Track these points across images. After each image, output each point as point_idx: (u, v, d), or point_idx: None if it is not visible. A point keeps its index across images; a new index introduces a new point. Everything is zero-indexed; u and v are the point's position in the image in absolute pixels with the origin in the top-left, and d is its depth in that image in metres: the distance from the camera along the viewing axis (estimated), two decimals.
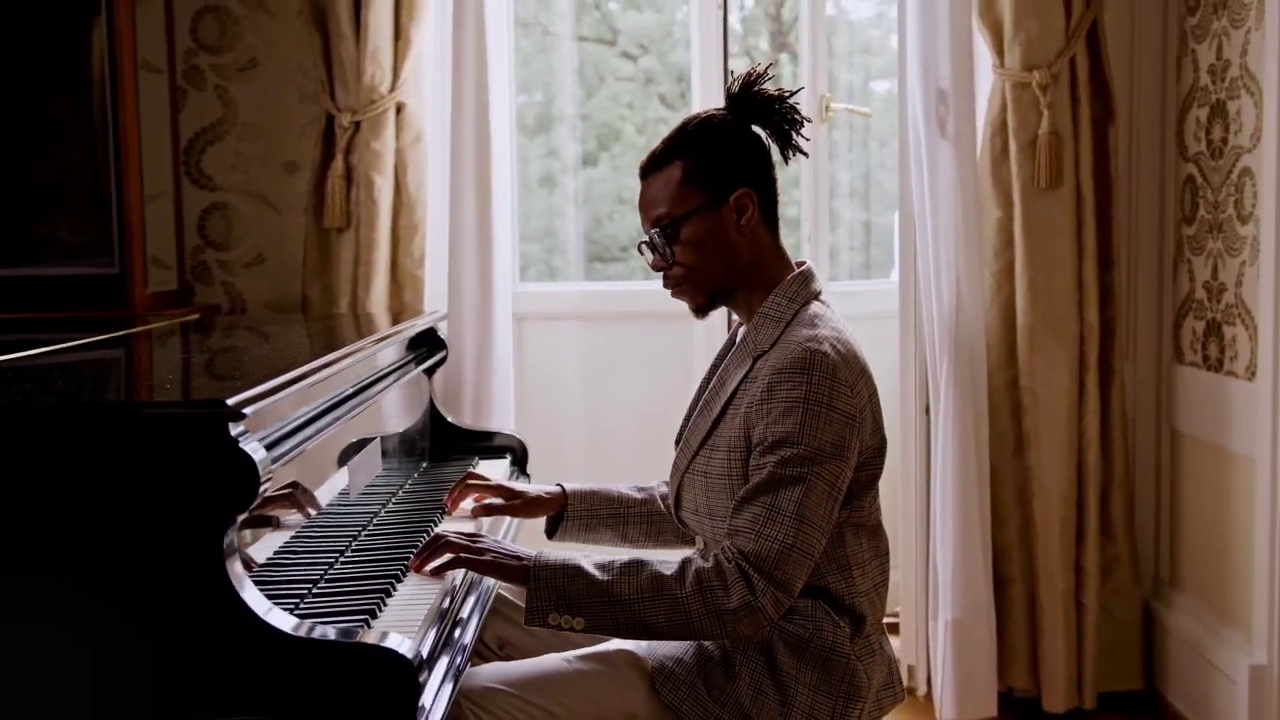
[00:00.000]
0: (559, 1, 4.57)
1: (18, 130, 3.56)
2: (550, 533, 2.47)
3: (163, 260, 3.69)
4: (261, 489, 1.57)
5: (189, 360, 2.37)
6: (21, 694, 1.62)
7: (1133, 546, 3.64)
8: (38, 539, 1.60)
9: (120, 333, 2.76)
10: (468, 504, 2.48)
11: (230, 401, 1.57)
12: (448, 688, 1.76)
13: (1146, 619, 3.67)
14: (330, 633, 1.58)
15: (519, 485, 2.50)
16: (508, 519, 2.54)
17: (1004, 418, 3.54)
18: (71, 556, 1.59)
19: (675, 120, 5.06)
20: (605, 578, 1.98)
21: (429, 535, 2.26)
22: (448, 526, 2.35)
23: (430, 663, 1.71)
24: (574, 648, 2.19)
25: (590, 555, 2.04)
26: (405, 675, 1.56)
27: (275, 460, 1.70)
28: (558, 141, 4.66)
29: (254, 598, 1.57)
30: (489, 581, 2.20)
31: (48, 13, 3.49)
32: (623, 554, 2.06)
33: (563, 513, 2.44)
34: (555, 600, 1.97)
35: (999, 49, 3.45)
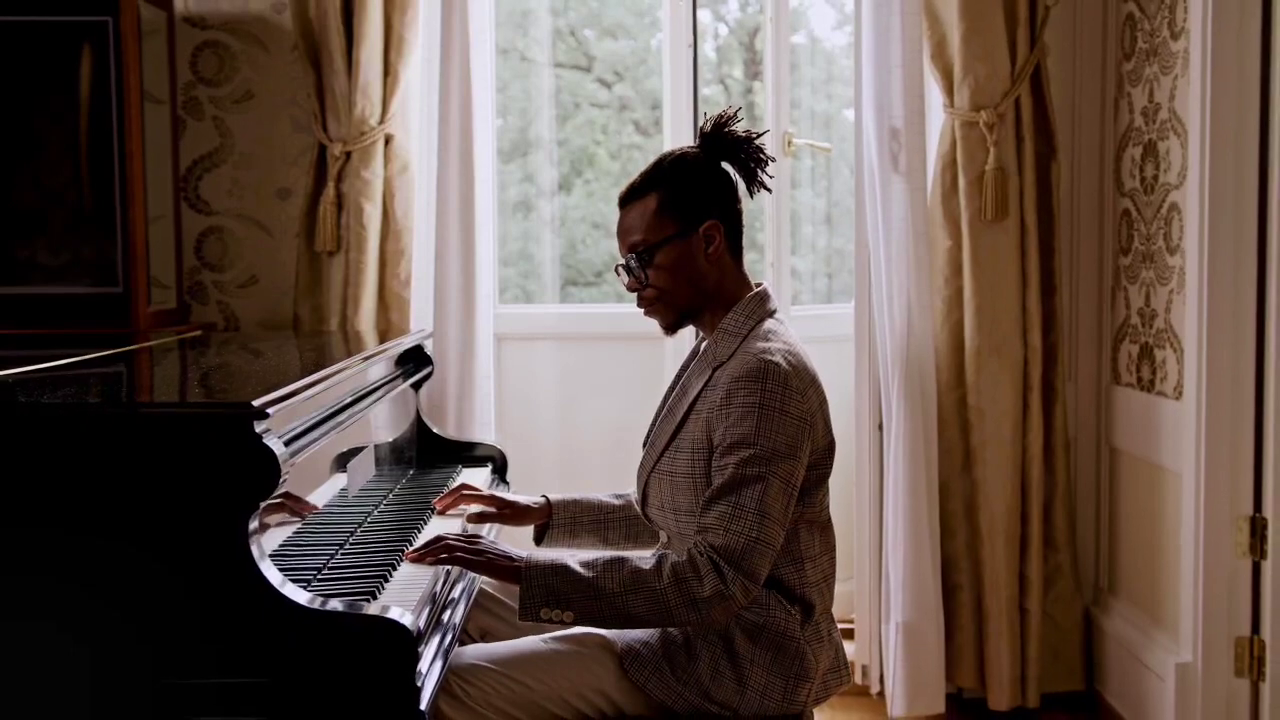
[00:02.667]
0: (536, 29, 4.71)
1: (27, 154, 3.73)
2: (538, 540, 2.69)
3: (162, 280, 3.88)
4: (281, 479, 1.79)
5: (203, 370, 2.59)
6: (66, 644, 1.84)
7: (1074, 556, 3.86)
8: (79, 520, 1.82)
9: (131, 347, 2.97)
10: (463, 509, 2.69)
11: (256, 402, 1.80)
12: (439, 663, 1.98)
13: (1087, 624, 3.89)
14: (339, 605, 1.81)
15: (510, 496, 2.70)
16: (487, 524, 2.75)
17: (953, 434, 3.76)
18: (109, 537, 1.81)
19: (648, 147, 5.22)
20: (590, 574, 2.19)
21: (419, 532, 2.49)
22: (438, 524, 2.57)
23: (425, 636, 1.93)
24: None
25: (576, 555, 2.25)
26: (406, 642, 1.79)
27: (291, 456, 1.92)
28: (534, 167, 4.78)
29: (273, 574, 1.79)
30: (473, 574, 2.42)
31: (41, 41, 3.64)
32: (604, 554, 2.27)
33: (549, 521, 2.66)
34: (546, 597, 2.18)
35: (949, 90, 3.69)
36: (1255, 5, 3.16)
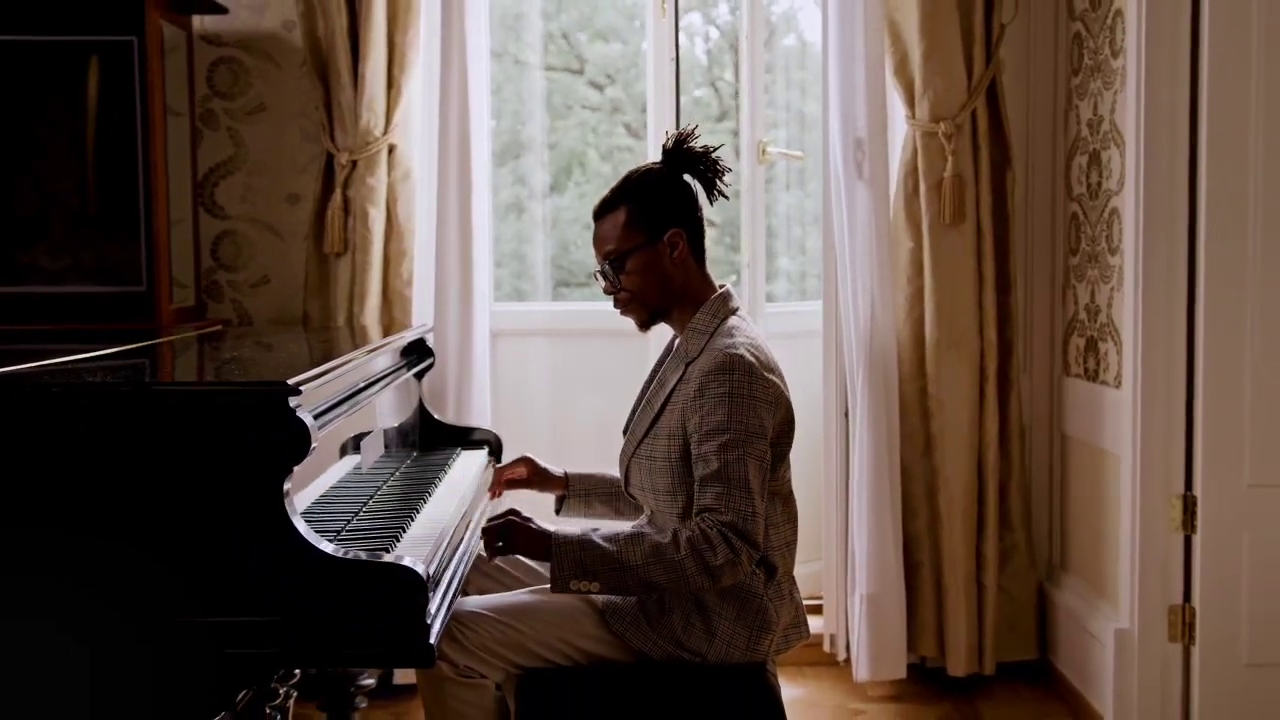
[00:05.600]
0: (528, 32, 4.89)
1: (31, 161, 3.96)
2: (558, 509, 3.01)
3: (181, 280, 4.15)
4: (312, 447, 2.09)
5: (228, 359, 2.88)
6: (129, 589, 2.13)
7: (1029, 535, 4.15)
8: (138, 483, 2.11)
9: (158, 340, 3.26)
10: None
11: (290, 381, 2.10)
12: (445, 608, 2.27)
13: (1041, 598, 4.19)
14: (361, 555, 2.11)
15: (540, 462, 3.03)
16: (485, 498, 3.05)
17: (914, 422, 4.04)
18: (169, 496, 2.10)
19: (639, 149, 5.40)
20: (614, 549, 2.49)
21: (425, 502, 2.78)
22: (442, 496, 2.87)
23: (434, 583, 2.23)
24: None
25: (595, 530, 2.54)
26: (419, 586, 2.08)
27: (319, 429, 2.21)
28: (526, 169, 4.95)
29: (304, 528, 2.09)
30: (472, 542, 2.72)
31: (49, 56, 3.86)
32: (622, 530, 2.57)
33: (566, 492, 2.99)
34: (575, 570, 2.48)
35: (910, 103, 3.97)
36: (1185, 27, 3.45)
